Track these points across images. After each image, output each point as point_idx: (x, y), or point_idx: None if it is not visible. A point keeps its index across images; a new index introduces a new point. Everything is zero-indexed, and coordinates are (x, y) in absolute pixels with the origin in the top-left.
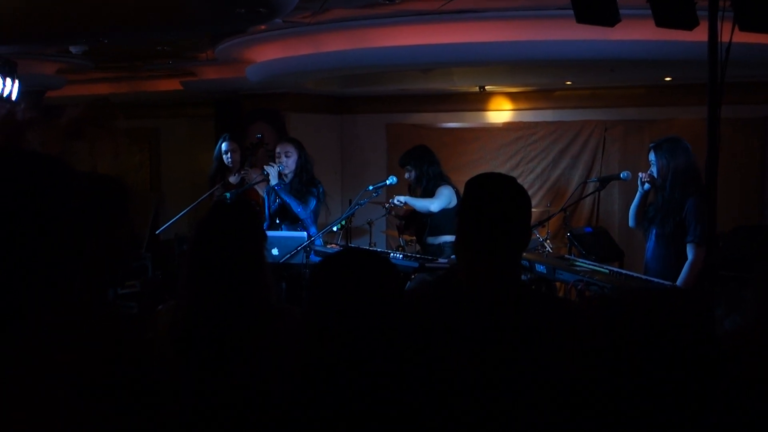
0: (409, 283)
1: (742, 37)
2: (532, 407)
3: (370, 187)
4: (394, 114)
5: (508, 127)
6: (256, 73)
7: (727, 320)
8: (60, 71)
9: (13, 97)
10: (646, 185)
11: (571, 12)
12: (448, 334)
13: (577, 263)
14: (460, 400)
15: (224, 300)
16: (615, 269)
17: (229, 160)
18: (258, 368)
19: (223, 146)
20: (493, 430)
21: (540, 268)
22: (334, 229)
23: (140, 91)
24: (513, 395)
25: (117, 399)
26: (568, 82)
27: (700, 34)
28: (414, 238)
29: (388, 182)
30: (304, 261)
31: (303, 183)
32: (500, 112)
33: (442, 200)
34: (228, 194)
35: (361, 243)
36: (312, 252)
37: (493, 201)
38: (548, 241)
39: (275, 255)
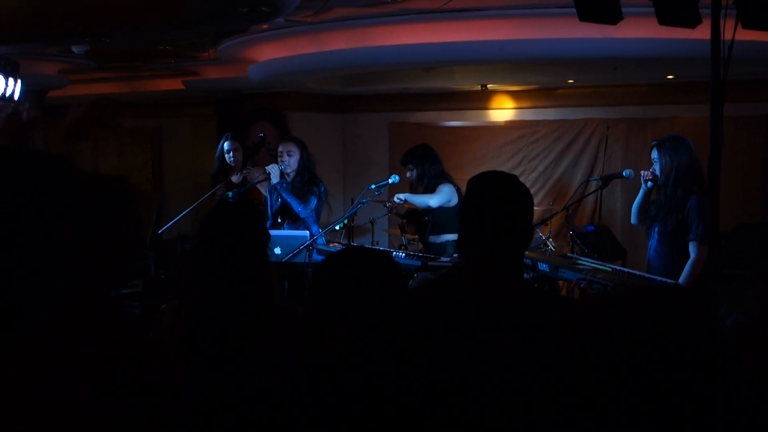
0: (411, 281)
1: (744, 35)
2: (535, 406)
3: (373, 186)
4: (396, 113)
5: (510, 125)
6: (258, 73)
7: (730, 319)
8: (62, 71)
9: (16, 96)
10: (649, 183)
11: (574, 10)
12: (450, 333)
13: (580, 262)
14: (462, 399)
15: (227, 299)
16: (618, 268)
17: (231, 159)
18: (261, 367)
19: (225, 145)
20: (496, 429)
21: (543, 266)
22: (337, 227)
23: (142, 90)
24: (515, 394)
25: (119, 399)
26: (571, 81)
27: (702, 32)
28: (416, 236)
29: (390, 181)
30: (307, 260)
31: (305, 182)
32: (502, 111)
33: (441, 196)
34: (230, 193)
35: (364, 242)
36: (314, 251)
37: (495, 199)
38: (551, 239)
39: (278, 254)
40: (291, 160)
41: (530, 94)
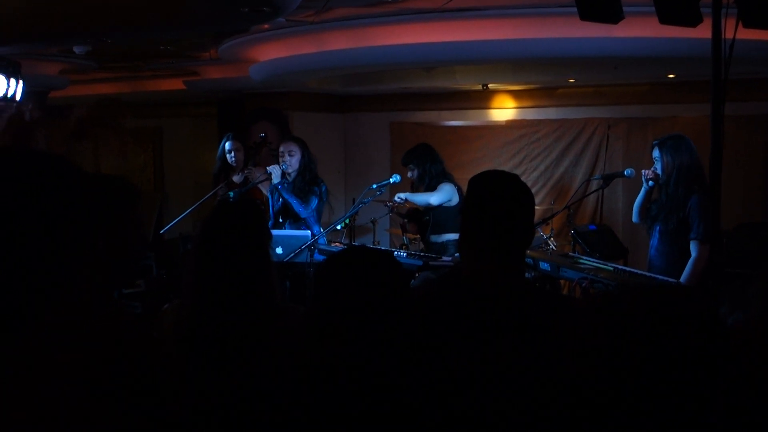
0: (413, 281)
1: (746, 34)
2: (536, 405)
3: (374, 186)
4: (397, 112)
5: (511, 125)
6: (259, 73)
7: (731, 318)
8: (63, 71)
9: (17, 97)
10: (650, 182)
11: (575, 9)
12: (452, 332)
13: (581, 261)
14: (464, 398)
15: (229, 299)
16: (619, 267)
17: (233, 159)
18: (262, 367)
19: (227, 145)
20: (498, 428)
21: (544, 265)
22: (338, 227)
23: (143, 90)
24: (517, 393)
25: (120, 399)
26: (572, 80)
27: (703, 31)
28: (418, 236)
29: (391, 180)
30: (308, 260)
31: (306, 182)
32: (503, 110)
33: (441, 195)
34: (231, 193)
35: (365, 241)
36: (316, 251)
37: (497, 199)
38: (552, 238)
39: (279, 254)
40: (292, 160)
41: (531, 93)
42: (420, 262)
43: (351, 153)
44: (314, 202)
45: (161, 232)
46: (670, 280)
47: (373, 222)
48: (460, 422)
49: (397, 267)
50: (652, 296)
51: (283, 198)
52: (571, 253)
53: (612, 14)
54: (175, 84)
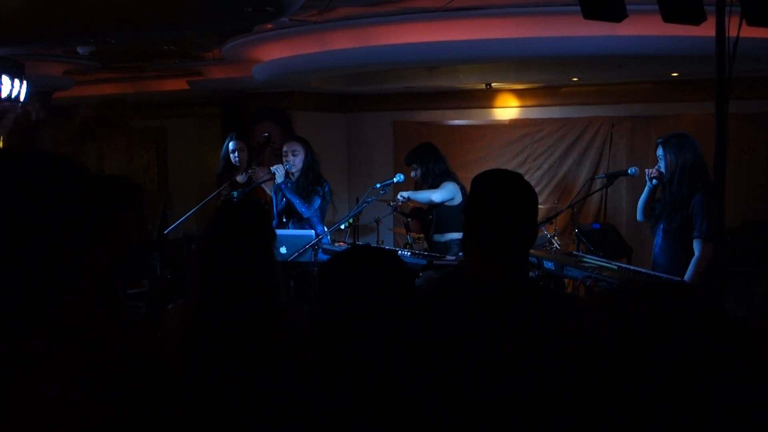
0: (416, 280)
1: (749, 32)
2: (539, 404)
3: (378, 185)
4: (401, 112)
5: (514, 124)
6: (263, 72)
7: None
8: (67, 72)
9: (22, 98)
10: (654, 181)
11: (578, 8)
12: (455, 331)
13: (585, 259)
14: (467, 397)
15: (233, 299)
16: (623, 265)
17: (237, 159)
18: (266, 367)
19: (230, 145)
20: (502, 427)
21: (548, 264)
22: (342, 227)
23: (147, 91)
24: (520, 392)
25: (122, 399)
26: (575, 79)
27: (707, 29)
28: (422, 235)
29: (395, 180)
30: (312, 259)
31: (309, 182)
32: (507, 109)
33: (444, 192)
34: (235, 193)
35: (369, 241)
36: (320, 250)
37: (500, 198)
38: (556, 237)
39: (283, 253)
40: (296, 160)
41: (534, 92)
42: (424, 261)
43: (354, 152)
44: (317, 201)
45: (165, 232)
46: (674, 278)
47: (377, 221)
48: (463, 421)
49: (402, 266)
50: (656, 294)
51: (286, 198)
52: (575, 252)
53: (615, 13)
54: (179, 84)
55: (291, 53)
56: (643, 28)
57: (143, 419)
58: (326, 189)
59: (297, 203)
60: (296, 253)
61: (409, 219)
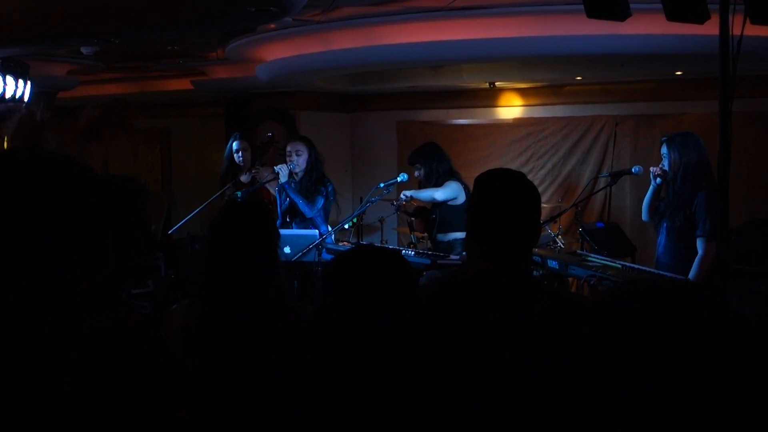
0: (420, 279)
1: (753, 31)
2: (541, 403)
3: (381, 185)
4: (404, 111)
5: (518, 123)
6: (266, 72)
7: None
8: (71, 72)
9: (26, 98)
10: (658, 179)
11: (581, 7)
12: (457, 331)
13: (590, 258)
14: (468, 396)
15: (237, 299)
16: (627, 264)
17: (240, 159)
18: (271, 366)
19: (234, 145)
20: (503, 427)
21: (552, 263)
22: (346, 226)
23: (151, 91)
24: (521, 392)
25: (124, 399)
26: (579, 78)
27: (711, 28)
28: (425, 234)
29: (398, 179)
30: (316, 259)
31: (313, 181)
32: (510, 108)
33: (447, 191)
34: (239, 193)
35: (373, 240)
36: (324, 250)
37: (503, 197)
38: (560, 236)
39: (287, 253)
40: (299, 160)
41: (538, 91)
42: (428, 261)
43: (358, 152)
44: (320, 202)
45: (169, 232)
46: (678, 277)
47: (381, 221)
48: (465, 421)
49: (406, 266)
50: (659, 293)
51: (289, 198)
52: (579, 251)
53: (619, 11)
54: (183, 84)
55: (294, 53)
56: (647, 26)
57: (144, 419)
58: (329, 189)
59: (300, 203)
60: (300, 253)
61: (413, 218)
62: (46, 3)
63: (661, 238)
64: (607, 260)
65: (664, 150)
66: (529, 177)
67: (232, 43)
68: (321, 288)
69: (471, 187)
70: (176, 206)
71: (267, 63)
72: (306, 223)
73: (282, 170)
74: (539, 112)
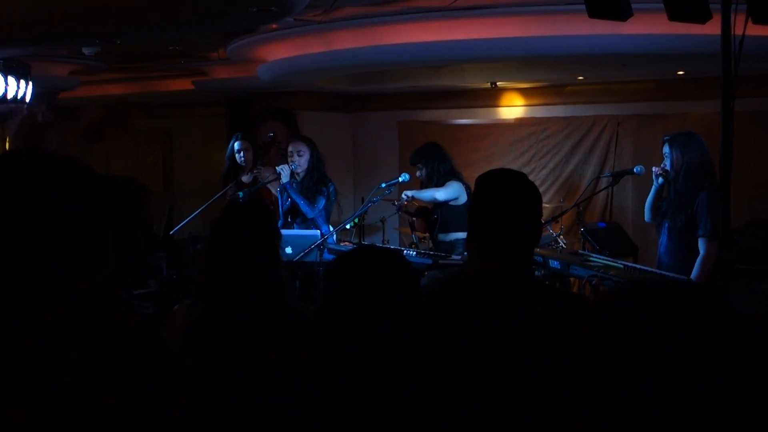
0: (422, 279)
1: (755, 30)
2: (542, 403)
3: (383, 185)
4: (406, 111)
5: (520, 122)
6: (267, 72)
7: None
8: (73, 73)
9: (27, 99)
10: (660, 179)
11: (583, 7)
12: (458, 331)
13: (591, 258)
14: (469, 396)
15: (239, 299)
16: (629, 264)
17: (242, 159)
18: (272, 367)
19: (236, 145)
20: (504, 427)
21: (554, 263)
22: (347, 226)
23: (152, 91)
24: (522, 392)
25: (124, 399)
26: (580, 77)
27: (713, 28)
28: (427, 234)
29: (400, 179)
30: (318, 259)
31: (314, 182)
32: (512, 108)
33: (448, 191)
34: (241, 193)
35: (375, 240)
36: (325, 250)
37: (504, 197)
38: (562, 236)
39: (289, 253)
40: (301, 160)
41: (540, 91)
42: (429, 261)
43: (359, 152)
44: (321, 202)
45: (171, 232)
46: (680, 277)
47: (383, 221)
48: (466, 421)
49: (407, 266)
50: (661, 294)
51: (291, 198)
52: (580, 251)
53: (620, 11)
54: (184, 84)
55: (296, 53)
56: (649, 26)
57: (144, 419)
58: (331, 189)
59: (301, 204)
60: (302, 253)
61: (414, 218)
62: (46, 3)
63: (663, 238)
64: (608, 260)
65: (666, 149)
66: (531, 177)
67: (233, 43)
68: (323, 288)
69: (472, 187)
70: (178, 206)
71: (268, 63)
72: (307, 223)
73: (284, 170)
74: (541, 112)
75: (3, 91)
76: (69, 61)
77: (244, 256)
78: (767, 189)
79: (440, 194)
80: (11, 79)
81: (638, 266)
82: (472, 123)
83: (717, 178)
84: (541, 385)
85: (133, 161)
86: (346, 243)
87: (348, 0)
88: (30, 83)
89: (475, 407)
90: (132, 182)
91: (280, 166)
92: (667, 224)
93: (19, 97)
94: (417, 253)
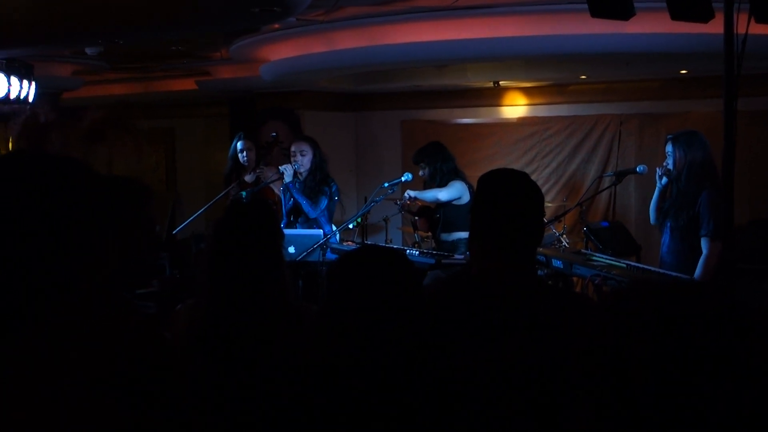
0: (424, 279)
1: (758, 29)
2: (543, 403)
3: (386, 184)
4: (409, 110)
5: (522, 122)
6: (270, 72)
7: None
8: (76, 73)
9: (30, 99)
10: (664, 179)
11: (586, 6)
12: (460, 330)
13: (594, 258)
14: (474, 396)
15: (242, 298)
16: (632, 263)
17: (245, 158)
18: (275, 366)
19: (238, 145)
20: (506, 426)
21: (557, 263)
22: (350, 226)
23: (155, 91)
24: (524, 391)
25: (125, 399)
26: (583, 77)
27: (715, 27)
28: (429, 234)
29: (403, 179)
30: (321, 259)
31: (317, 181)
32: (515, 107)
33: (451, 191)
34: (243, 193)
35: (377, 240)
36: (328, 249)
37: (506, 197)
38: (565, 236)
39: (292, 253)
40: (304, 160)
41: (543, 90)
42: (432, 260)
43: (362, 151)
44: (324, 202)
45: (174, 232)
46: (684, 276)
47: (386, 220)
48: (468, 420)
49: (409, 266)
50: (664, 293)
51: (294, 198)
52: (583, 250)
53: (623, 11)
54: (187, 84)
55: (298, 53)
56: (651, 25)
57: (144, 419)
58: (333, 189)
59: (304, 204)
60: (305, 253)
61: (417, 218)
62: (46, 3)
63: (665, 238)
64: (611, 260)
65: (669, 148)
66: (534, 176)
67: (236, 43)
68: (325, 288)
69: (475, 187)
70: (181, 206)
71: (271, 63)
72: (310, 222)
73: (287, 170)
74: (544, 111)
75: (6, 91)
76: (72, 61)
77: (247, 255)
78: None
79: (443, 194)
80: (14, 80)
81: (641, 265)
82: (474, 122)
83: (719, 177)
84: (543, 385)
85: (136, 161)
86: (349, 242)
87: (350, 0)
88: (33, 83)
89: (478, 407)
90: (134, 182)
91: (283, 166)
92: (669, 224)
93: (22, 97)
94: (420, 252)
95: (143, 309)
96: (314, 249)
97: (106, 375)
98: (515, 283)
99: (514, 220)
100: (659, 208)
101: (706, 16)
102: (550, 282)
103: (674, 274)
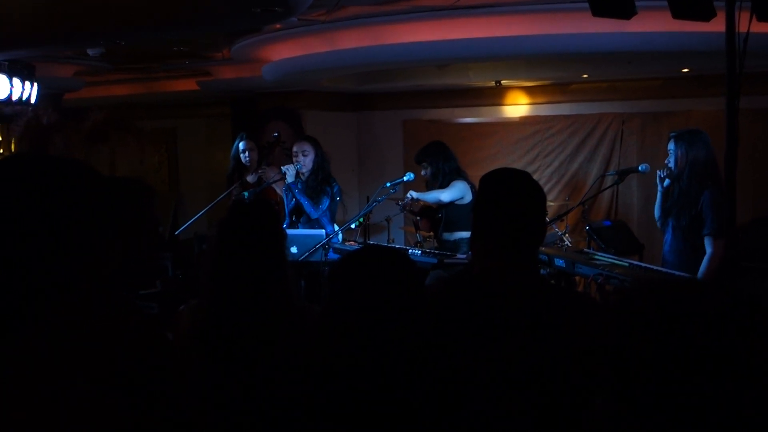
0: (426, 278)
1: (760, 27)
2: (545, 402)
3: (388, 184)
4: (411, 110)
5: (524, 121)
6: (272, 72)
7: None
8: (78, 73)
9: (32, 100)
10: (666, 181)
11: (587, 5)
12: (462, 330)
13: (597, 257)
14: (476, 395)
15: (245, 299)
16: (635, 262)
17: (247, 159)
18: (278, 366)
19: (240, 145)
20: (508, 425)
21: (559, 262)
22: (352, 226)
23: (157, 91)
24: (529, 390)
25: (126, 399)
26: (585, 76)
27: (717, 25)
28: (431, 234)
29: (405, 179)
30: (323, 259)
31: (319, 181)
32: (517, 107)
33: (453, 192)
34: (246, 193)
35: (380, 240)
36: (331, 249)
37: (508, 196)
38: (567, 235)
39: (294, 253)
40: (306, 160)
41: (545, 89)
42: (434, 260)
43: (364, 151)
44: (325, 202)
45: (176, 232)
46: (686, 275)
47: (388, 220)
48: (471, 420)
49: (412, 265)
50: (667, 292)
51: (296, 198)
52: (586, 250)
53: (624, 10)
54: (189, 84)
55: (300, 53)
56: (653, 24)
57: (145, 419)
58: (335, 189)
59: (305, 204)
60: (307, 253)
61: (419, 218)
62: (47, 4)
63: (668, 237)
64: (614, 259)
65: (671, 146)
66: (536, 175)
67: (237, 43)
68: (328, 288)
69: (477, 186)
70: (183, 206)
71: (273, 63)
72: (312, 222)
73: (289, 170)
74: (546, 110)
75: (8, 92)
76: (74, 62)
77: (250, 256)
78: None
79: (445, 195)
80: (16, 81)
81: (644, 264)
82: (476, 122)
83: (721, 175)
84: (545, 384)
85: (139, 162)
86: (351, 242)
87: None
88: (35, 84)
89: (481, 406)
90: (136, 183)
91: (285, 166)
92: (671, 223)
93: (24, 98)
94: (422, 252)
95: (146, 309)
96: (316, 249)
97: (106, 375)
98: (517, 282)
99: (516, 220)
100: (663, 209)
101: (707, 15)
102: (552, 281)
103: (677, 273)
